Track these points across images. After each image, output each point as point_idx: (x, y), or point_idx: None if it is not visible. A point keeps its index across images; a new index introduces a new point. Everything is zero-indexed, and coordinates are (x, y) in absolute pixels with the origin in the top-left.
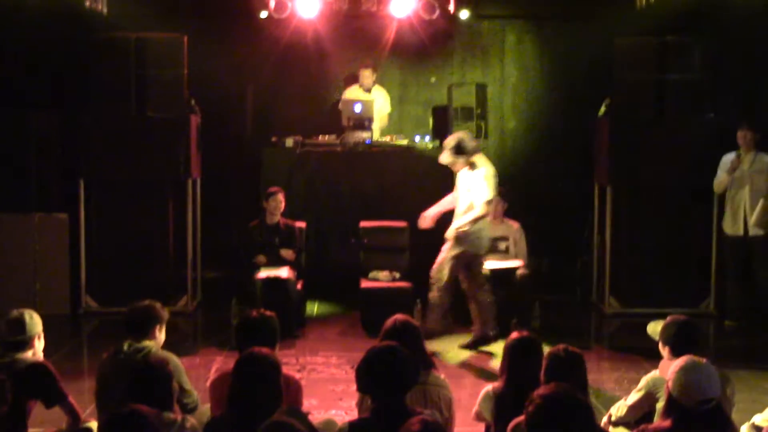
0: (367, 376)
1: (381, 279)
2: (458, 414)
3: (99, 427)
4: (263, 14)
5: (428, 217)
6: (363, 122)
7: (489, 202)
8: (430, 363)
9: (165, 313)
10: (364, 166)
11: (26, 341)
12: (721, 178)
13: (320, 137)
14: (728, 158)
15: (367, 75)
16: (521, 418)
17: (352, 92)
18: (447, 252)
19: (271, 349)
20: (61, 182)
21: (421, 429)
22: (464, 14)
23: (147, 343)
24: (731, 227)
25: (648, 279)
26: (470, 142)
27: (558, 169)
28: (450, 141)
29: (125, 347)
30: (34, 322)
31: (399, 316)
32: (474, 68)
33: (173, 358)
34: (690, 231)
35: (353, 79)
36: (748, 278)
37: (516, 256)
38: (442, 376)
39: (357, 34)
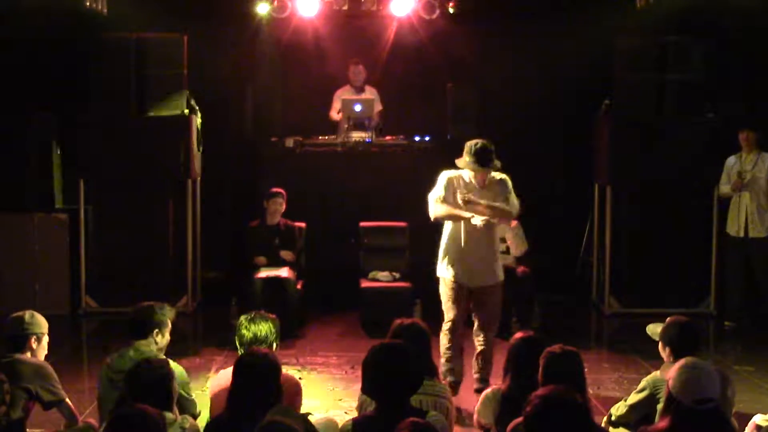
0: (373, 372)
1: (381, 279)
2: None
3: (105, 427)
4: (263, 8)
5: None
6: (363, 122)
7: None
8: (433, 370)
9: (169, 316)
10: (364, 166)
11: (22, 340)
12: (724, 190)
13: (320, 137)
14: (731, 162)
15: (358, 71)
16: (521, 419)
17: (345, 93)
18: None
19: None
20: (61, 182)
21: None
22: (464, 13)
23: (151, 348)
24: (733, 228)
25: (648, 279)
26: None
27: (558, 168)
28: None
29: (131, 353)
30: (35, 322)
31: (408, 319)
32: (473, 68)
33: (178, 369)
34: (690, 231)
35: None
36: (748, 279)
37: (518, 249)
38: (443, 383)
39: (357, 34)
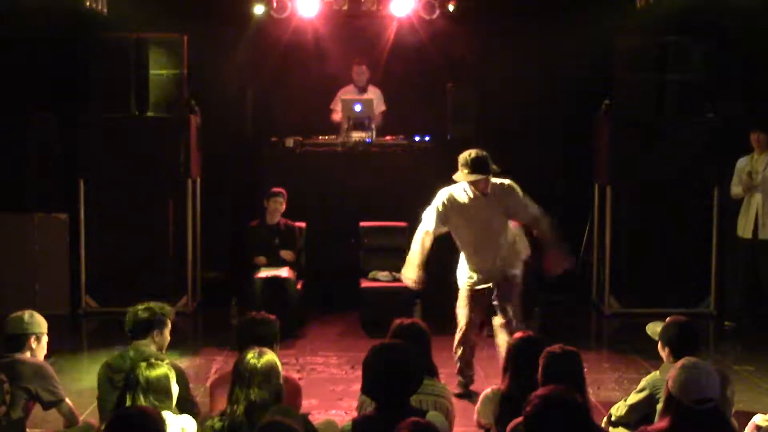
0: (373, 372)
1: (381, 279)
2: (457, 418)
3: (105, 427)
4: (259, 9)
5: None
6: (363, 122)
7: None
8: (433, 370)
9: (169, 316)
10: (364, 166)
11: (22, 340)
12: (735, 191)
13: (320, 137)
14: (742, 163)
15: (361, 71)
16: (520, 419)
17: (348, 93)
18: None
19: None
20: (61, 182)
21: (412, 431)
22: (464, 13)
23: (151, 348)
24: (742, 229)
25: (648, 279)
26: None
27: (558, 168)
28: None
29: (131, 353)
30: (34, 321)
31: (408, 319)
32: (473, 68)
33: (178, 369)
34: (690, 231)
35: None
36: (755, 280)
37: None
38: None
39: (357, 34)
